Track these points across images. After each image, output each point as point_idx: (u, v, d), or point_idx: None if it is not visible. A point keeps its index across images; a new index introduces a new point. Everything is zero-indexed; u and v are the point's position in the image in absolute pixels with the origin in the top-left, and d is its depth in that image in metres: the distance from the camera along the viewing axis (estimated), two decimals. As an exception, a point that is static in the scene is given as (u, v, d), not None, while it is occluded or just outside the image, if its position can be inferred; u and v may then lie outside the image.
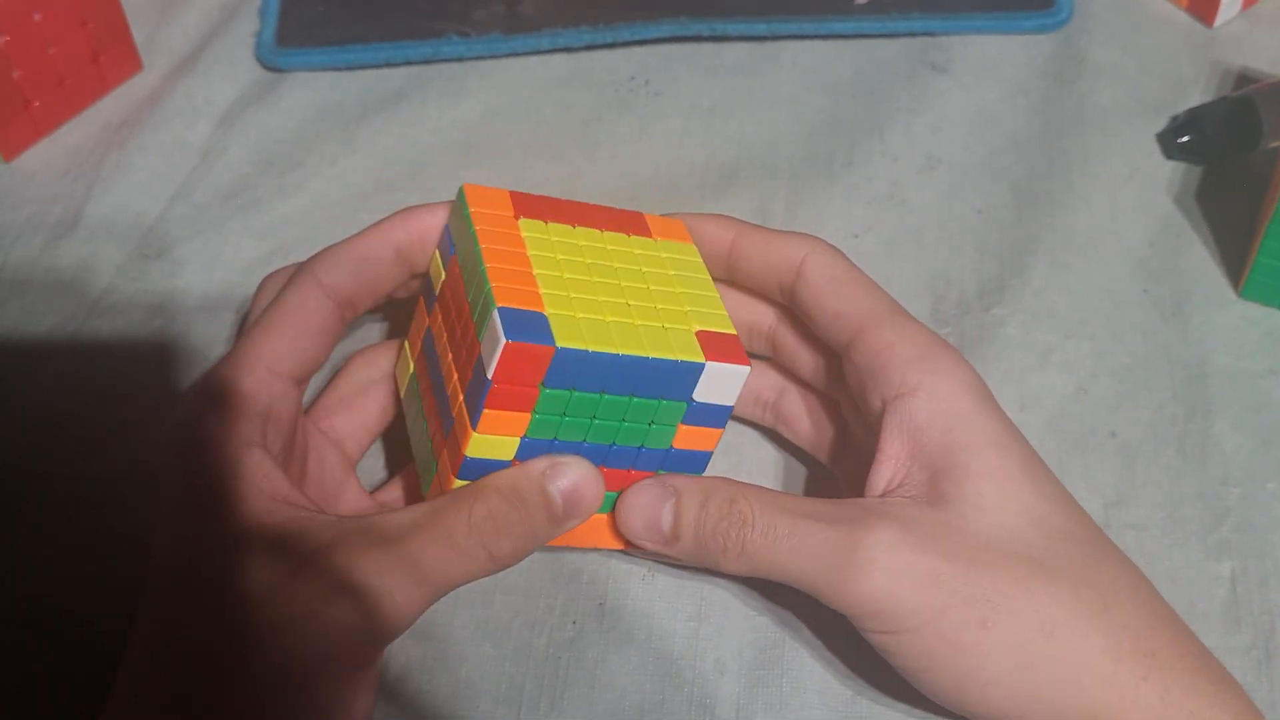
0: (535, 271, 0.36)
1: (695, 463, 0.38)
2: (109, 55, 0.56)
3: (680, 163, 0.53)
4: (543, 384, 0.34)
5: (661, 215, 0.41)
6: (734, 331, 0.37)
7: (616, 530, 0.38)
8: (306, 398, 0.41)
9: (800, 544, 0.35)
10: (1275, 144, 0.51)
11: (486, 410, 0.35)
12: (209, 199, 0.53)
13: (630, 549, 0.38)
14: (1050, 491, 0.35)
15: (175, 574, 0.34)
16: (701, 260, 0.40)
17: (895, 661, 0.35)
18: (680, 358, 0.35)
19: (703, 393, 0.36)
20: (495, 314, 0.34)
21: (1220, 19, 0.58)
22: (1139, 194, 0.52)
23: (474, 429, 0.35)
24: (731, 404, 0.37)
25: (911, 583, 0.34)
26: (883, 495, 0.36)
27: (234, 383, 0.36)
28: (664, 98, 0.56)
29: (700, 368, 0.35)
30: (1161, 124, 0.54)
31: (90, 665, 0.39)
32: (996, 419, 0.36)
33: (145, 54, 0.58)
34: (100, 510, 0.43)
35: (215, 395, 0.36)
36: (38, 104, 0.54)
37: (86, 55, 0.55)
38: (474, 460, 0.35)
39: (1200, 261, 0.49)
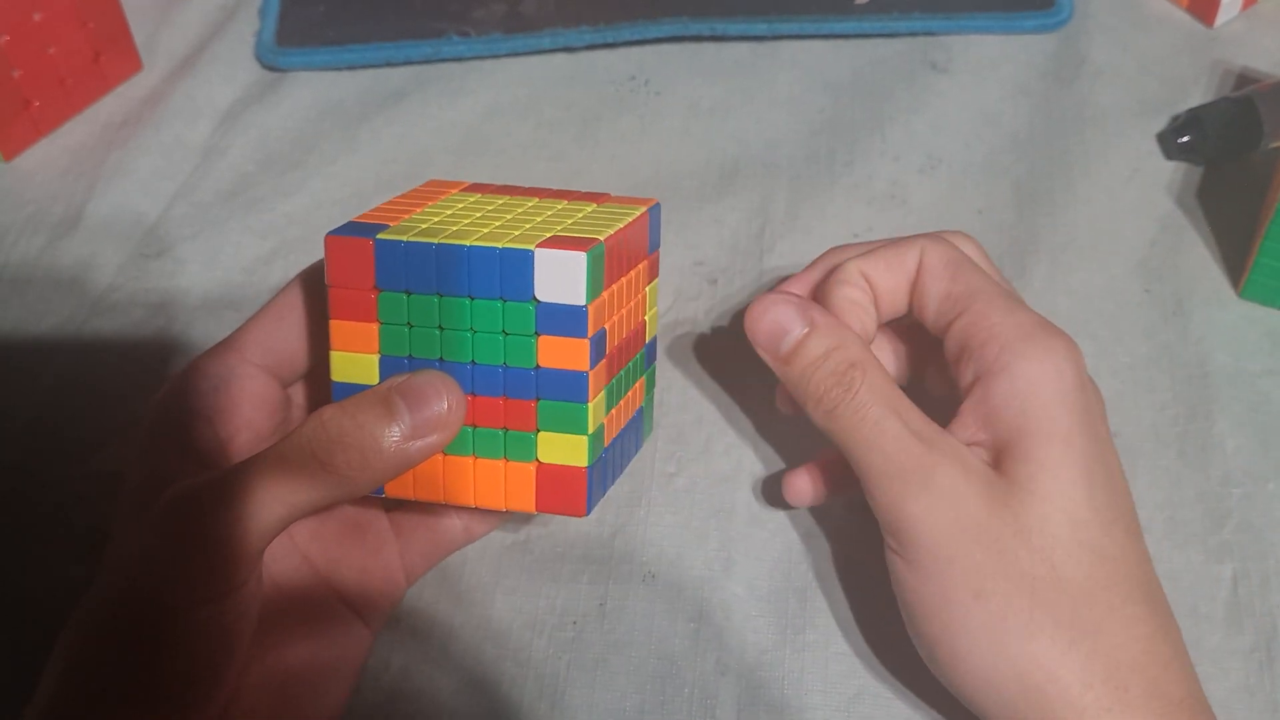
0: (419, 211, 0.36)
1: (574, 386, 0.35)
2: (109, 55, 0.56)
3: (680, 162, 0.53)
4: (376, 285, 0.34)
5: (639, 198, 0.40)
6: (598, 237, 0.35)
7: (531, 491, 0.36)
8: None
9: (878, 437, 0.35)
10: (1276, 144, 0.51)
11: (333, 321, 0.35)
12: (210, 198, 0.53)
13: (544, 511, 0.36)
14: (1101, 503, 0.35)
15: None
16: (635, 216, 0.37)
17: (895, 586, 0.36)
18: (506, 246, 0.34)
19: (546, 290, 0.34)
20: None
21: (1220, 19, 0.58)
22: (1139, 194, 0.52)
23: (330, 348, 0.35)
24: (583, 303, 0.34)
25: (956, 524, 0.34)
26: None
27: (198, 367, 0.37)
28: (664, 97, 0.56)
29: (528, 255, 0.34)
30: (1162, 124, 0.54)
31: (91, 666, 0.39)
32: (1075, 413, 0.36)
33: (145, 54, 0.58)
34: (100, 510, 0.43)
35: (179, 381, 0.37)
36: (38, 104, 0.54)
37: (87, 55, 0.55)
38: (341, 385, 0.36)
39: (1201, 262, 0.49)
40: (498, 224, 0.36)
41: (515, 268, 0.34)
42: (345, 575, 0.39)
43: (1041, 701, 0.33)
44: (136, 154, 0.54)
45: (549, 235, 0.34)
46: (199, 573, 0.32)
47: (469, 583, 0.41)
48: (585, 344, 0.34)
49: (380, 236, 0.34)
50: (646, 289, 0.39)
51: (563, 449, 0.35)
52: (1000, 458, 0.35)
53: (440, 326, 0.35)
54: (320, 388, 0.39)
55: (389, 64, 0.58)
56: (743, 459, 0.44)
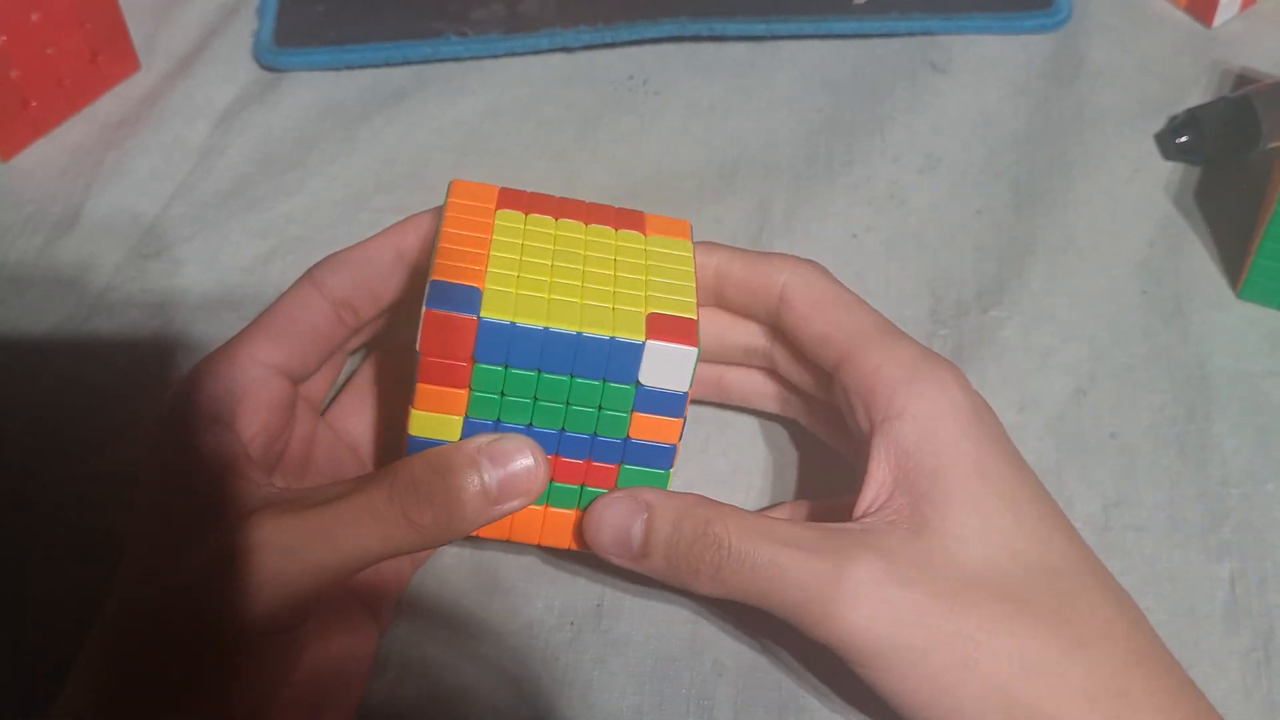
0: (491, 254, 0.36)
1: (659, 456, 0.36)
2: (107, 55, 0.56)
3: (680, 162, 0.53)
4: (475, 358, 0.34)
5: (667, 216, 0.41)
6: (694, 316, 0.35)
7: (580, 535, 0.37)
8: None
9: (780, 573, 0.34)
10: (1274, 144, 0.51)
11: (419, 384, 0.35)
12: (208, 198, 0.53)
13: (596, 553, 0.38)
14: (1032, 523, 0.35)
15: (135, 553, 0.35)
16: (691, 255, 0.39)
17: (880, 693, 0.35)
18: (616, 335, 0.34)
19: (650, 375, 0.35)
20: (427, 287, 0.34)
21: (1219, 19, 0.58)
22: (1138, 194, 0.52)
23: (411, 405, 0.35)
24: (684, 389, 0.35)
25: (896, 620, 0.33)
26: (863, 517, 0.36)
27: (209, 368, 0.37)
28: (663, 97, 0.56)
29: (639, 347, 0.34)
30: (1160, 124, 0.54)
31: (89, 666, 0.39)
32: (983, 444, 0.35)
33: (143, 54, 0.58)
34: (100, 510, 0.43)
35: (190, 382, 0.37)
36: (36, 103, 0.54)
37: (85, 55, 0.55)
38: (417, 439, 0.35)
39: (1199, 262, 0.49)
40: (581, 284, 0.36)
41: (623, 356, 0.34)
42: None
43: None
44: (135, 154, 0.54)
45: (647, 312, 0.35)
46: (266, 609, 0.32)
47: (467, 584, 0.41)
48: (680, 423, 0.36)
49: (485, 316, 0.34)
50: None
51: None
52: (919, 505, 0.35)
53: (535, 398, 0.35)
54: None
55: (388, 64, 0.58)
56: (740, 460, 0.44)
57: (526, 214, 0.38)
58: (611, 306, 0.35)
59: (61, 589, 0.41)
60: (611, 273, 0.37)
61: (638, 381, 0.35)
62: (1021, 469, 0.36)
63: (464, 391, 0.35)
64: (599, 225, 0.39)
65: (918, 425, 0.35)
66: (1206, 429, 0.44)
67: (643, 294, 0.36)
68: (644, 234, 0.39)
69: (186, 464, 0.35)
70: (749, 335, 0.41)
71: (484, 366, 0.34)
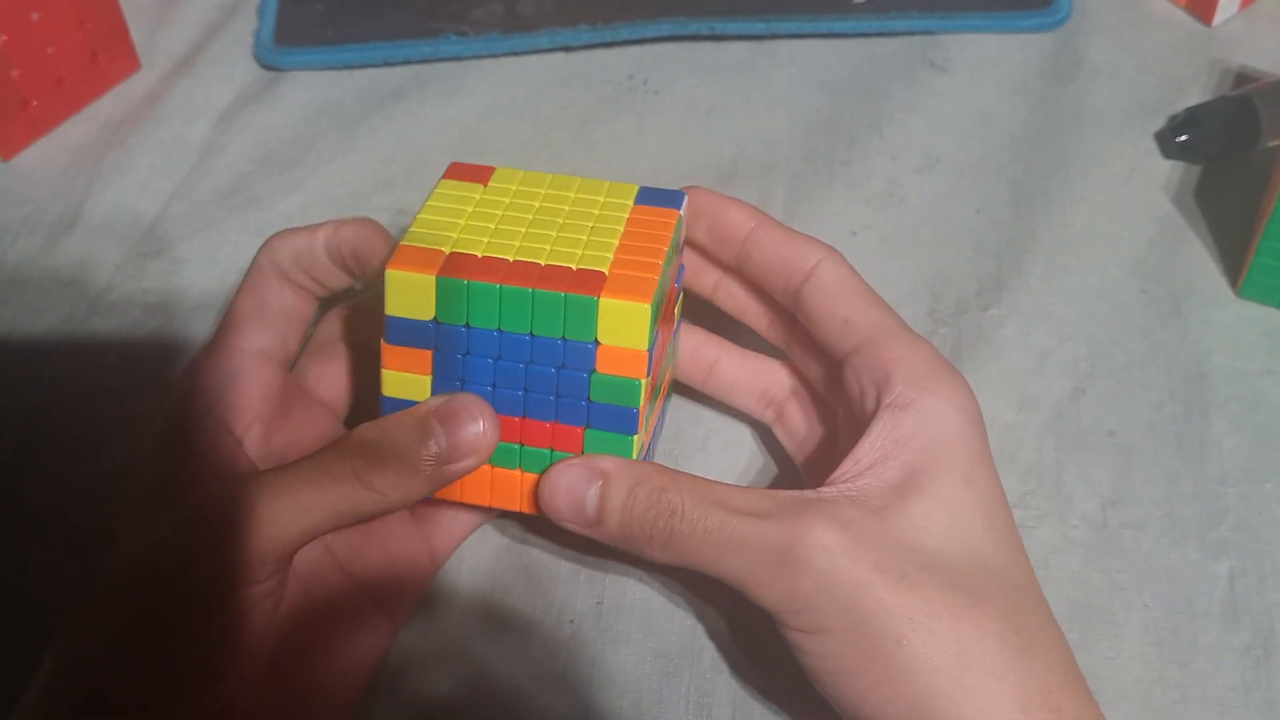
0: (466, 221, 0.37)
1: (624, 420, 0.36)
2: (107, 54, 0.56)
3: (679, 162, 0.53)
4: (435, 318, 0.35)
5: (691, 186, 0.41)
6: (655, 276, 0.35)
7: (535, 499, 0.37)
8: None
9: (730, 539, 0.34)
10: (1274, 143, 0.51)
11: (385, 345, 0.36)
12: (208, 197, 0.53)
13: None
14: (1000, 536, 0.35)
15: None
16: (675, 230, 0.38)
17: (804, 659, 0.34)
18: (571, 294, 0.35)
19: (608, 333, 0.35)
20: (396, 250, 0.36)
21: (1219, 18, 0.58)
22: (1137, 193, 0.52)
23: (382, 365, 0.36)
24: (643, 348, 0.35)
25: (839, 586, 0.33)
26: (829, 484, 0.36)
27: (202, 365, 0.38)
28: (662, 97, 0.56)
29: (592, 304, 0.35)
30: (1160, 123, 0.54)
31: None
32: (974, 454, 0.36)
33: (143, 53, 0.58)
34: (99, 510, 0.43)
35: (185, 381, 0.38)
36: (36, 103, 0.54)
37: (85, 54, 0.55)
38: (390, 400, 0.37)
39: (1198, 261, 0.49)
40: (558, 239, 0.36)
41: (579, 314, 0.35)
42: (368, 563, 0.39)
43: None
44: (135, 153, 0.54)
45: (610, 262, 0.35)
46: (224, 564, 0.33)
47: (465, 581, 0.41)
48: (640, 384, 0.36)
49: (442, 275, 0.35)
50: (676, 284, 0.40)
51: None
52: (893, 491, 0.35)
53: (498, 357, 0.36)
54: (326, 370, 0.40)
55: (387, 63, 0.58)
56: (739, 456, 0.44)
57: (516, 187, 0.39)
58: (574, 266, 0.36)
59: (61, 588, 0.41)
60: (590, 225, 0.37)
61: (596, 340, 0.35)
62: (1001, 489, 0.36)
63: (429, 352, 0.36)
64: (592, 192, 0.39)
65: (920, 419, 0.36)
66: (1205, 428, 0.44)
67: (609, 255, 0.36)
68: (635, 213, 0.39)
69: (181, 464, 0.36)
70: (775, 311, 0.42)
71: (447, 326, 0.35)
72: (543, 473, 0.37)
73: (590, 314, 0.35)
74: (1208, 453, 0.44)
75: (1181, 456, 0.44)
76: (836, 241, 0.40)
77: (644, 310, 0.35)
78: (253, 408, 0.38)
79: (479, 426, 0.35)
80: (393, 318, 0.36)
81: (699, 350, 0.42)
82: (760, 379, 0.42)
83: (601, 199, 0.39)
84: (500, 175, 0.39)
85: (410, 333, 0.36)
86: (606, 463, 0.36)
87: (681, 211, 0.39)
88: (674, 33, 0.57)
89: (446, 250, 0.36)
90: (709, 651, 0.40)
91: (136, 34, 0.58)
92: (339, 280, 0.40)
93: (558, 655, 0.40)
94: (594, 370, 0.35)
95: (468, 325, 0.35)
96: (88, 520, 0.43)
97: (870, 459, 0.35)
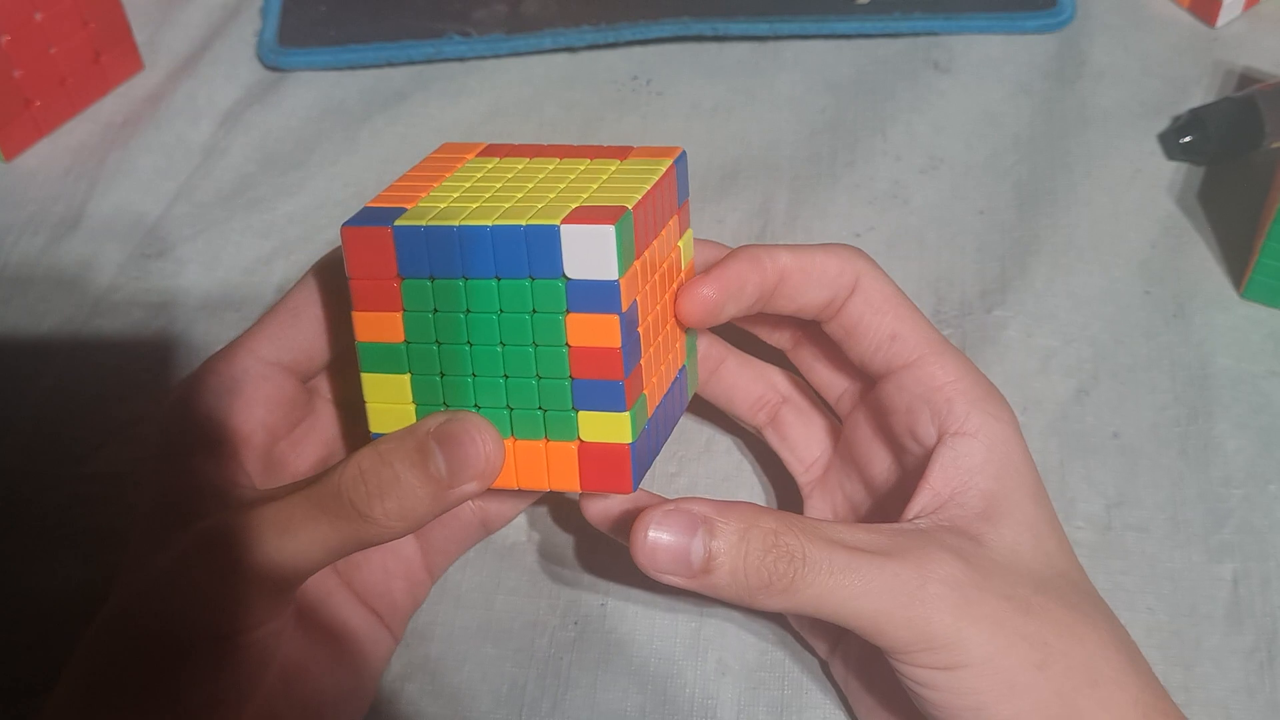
0: (438, 185, 0.35)
1: (610, 396, 0.33)
2: (110, 55, 0.56)
3: (682, 163, 0.53)
4: (400, 273, 0.34)
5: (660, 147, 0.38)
6: (628, 205, 0.33)
7: (575, 471, 0.35)
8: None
9: (864, 582, 0.32)
10: (1277, 144, 0.51)
11: (355, 313, 0.34)
12: (211, 198, 0.53)
13: (590, 490, 0.35)
14: (1069, 550, 0.36)
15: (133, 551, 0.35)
16: (662, 171, 0.36)
17: (934, 696, 0.33)
18: (531, 223, 0.32)
19: (575, 266, 0.32)
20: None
21: (1222, 19, 0.57)
22: (1141, 195, 0.52)
23: (356, 338, 0.35)
24: (614, 277, 0.32)
25: (978, 620, 0.32)
26: (914, 516, 0.35)
27: (209, 368, 0.37)
28: (666, 97, 0.56)
29: (554, 231, 0.32)
30: (1164, 124, 0.54)
31: (92, 665, 0.39)
32: (1034, 470, 0.36)
33: (146, 53, 0.58)
34: (100, 510, 0.43)
35: (189, 383, 0.36)
36: (39, 103, 0.54)
37: (88, 55, 0.55)
38: (369, 355, 0.35)
39: (1202, 262, 0.49)
40: (520, 195, 0.34)
41: (541, 244, 0.32)
42: (366, 577, 0.39)
43: None
44: (137, 154, 0.54)
45: (575, 206, 0.33)
46: (228, 609, 0.32)
47: (470, 583, 0.41)
48: (616, 320, 0.33)
49: (399, 224, 0.33)
50: (680, 243, 0.37)
51: (605, 426, 0.34)
52: (975, 520, 0.35)
53: (468, 310, 0.34)
54: (347, 382, 0.39)
55: (390, 64, 0.58)
56: (743, 459, 0.44)
57: (501, 158, 0.38)
58: (540, 205, 0.33)
59: (61, 589, 0.41)
60: (562, 185, 0.35)
61: (564, 275, 0.33)
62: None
63: (398, 314, 0.34)
64: (573, 159, 0.37)
65: (989, 445, 0.35)
66: (1209, 429, 0.44)
67: (583, 196, 0.34)
68: (622, 160, 0.37)
69: (182, 468, 0.35)
70: (777, 336, 0.41)
71: (411, 282, 0.34)
72: (633, 524, 0.33)
73: (554, 244, 0.32)
74: (1212, 454, 0.44)
75: (1185, 458, 0.44)
76: (840, 242, 0.40)
77: (608, 232, 0.32)
78: (255, 415, 0.36)
79: (481, 448, 0.33)
80: (357, 280, 0.34)
81: (708, 351, 0.42)
82: (759, 383, 0.42)
83: (588, 161, 0.37)
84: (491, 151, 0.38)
85: (375, 295, 0.34)
86: (702, 507, 0.33)
87: (677, 164, 0.37)
88: (677, 33, 0.57)
89: (409, 207, 0.34)
90: (713, 653, 0.40)
91: (139, 34, 0.58)
92: None
93: (563, 657, 0.40)
94: (566, 311, 0.33)
95: (431, 279, 0.34)
96: (89, 521, 0.43)
97: (949, 489, 0.35)
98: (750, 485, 0.44)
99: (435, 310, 0.34)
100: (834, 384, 0.40)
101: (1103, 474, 0.43)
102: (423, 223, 0.33)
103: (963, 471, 0.35)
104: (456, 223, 0.33)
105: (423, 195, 0.35)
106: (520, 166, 0.37)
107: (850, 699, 0.38)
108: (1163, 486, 0.43)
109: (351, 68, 0.58)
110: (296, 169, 0.54)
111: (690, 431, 0.45)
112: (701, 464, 0.44)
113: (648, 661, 0.40)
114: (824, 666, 0.39)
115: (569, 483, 0.35)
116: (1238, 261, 0.49)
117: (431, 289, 0.34)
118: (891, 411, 0.37)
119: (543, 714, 0.39)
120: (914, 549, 0.33)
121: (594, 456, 0.34)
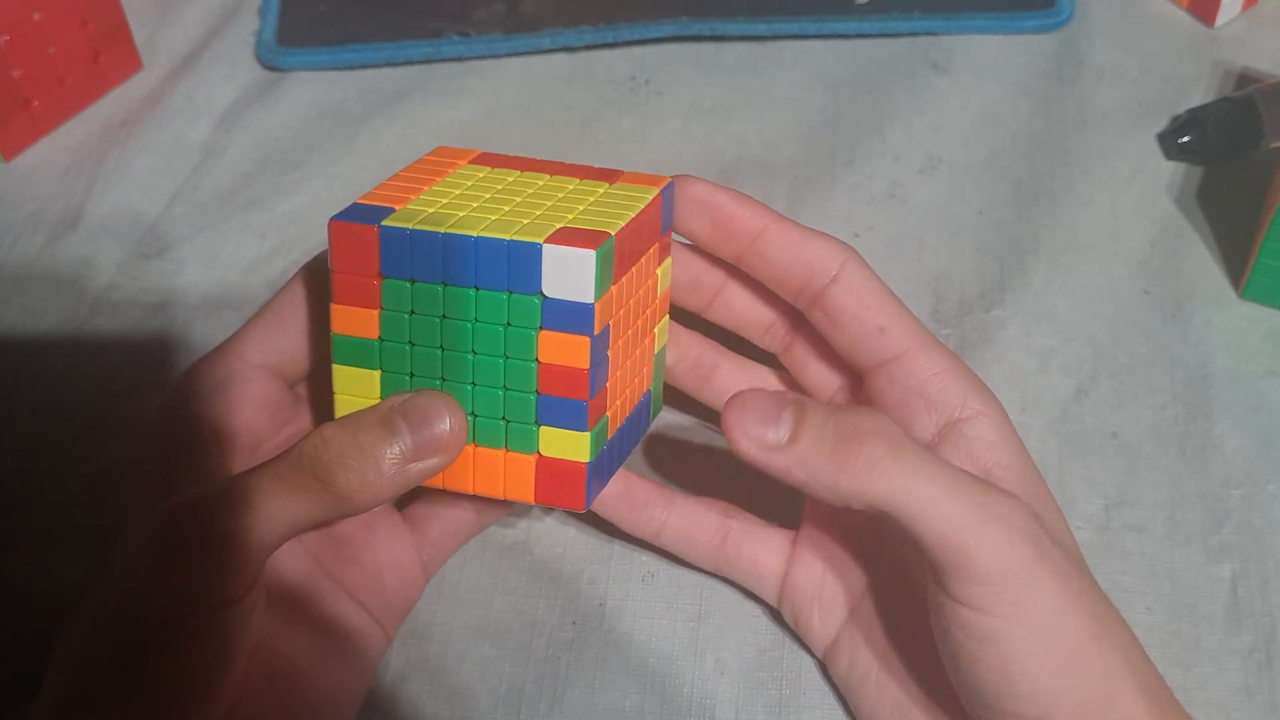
0: (428, 189, 0.36)
1: (573, 414, 0.34)
2: (109, 54, 0.56)
3: (680, 162, 0.53)
4: (381, 272, 0.34)
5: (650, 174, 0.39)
6: (609, 232, 0.34)
7: (530, 482, 0.35)
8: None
9: (954, 484, 0.31)
10: (1276, 144, 0.51)
11: (334, 305, 0.35)
12: (209, 198, 0.53)
13: (543, 503, 0.36)
14: (1066, 526, 0.36)
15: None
16: (649, 200, 0.36)
17: (983, 650, 0.32)
18: (515, 238, 0.33)
19: (553, 285, 0.33)
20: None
21: (1221, 19, 0.57)
22: (1140, 194, 0.52)
23: (332, 328, 0.35)
24: (589, 301, 0.33)
25: (1051, 570, 0.32)
26: None
27: (197, 370, 0.37)
28: (664, 97, 0.56)
29: (536, 249, 0.33)
30: (1162, 124, 0.54)
31: (90, 665, 0.39)
32: (1027, 453, 0.36)
33: (145, 53, 0.58)
34: (100, 510, 0.43)
35: (179, 385, 0.37)
36: (38, 103, 0.54)
37: (87, 54, 0.55)
38: (341, 345, 0.35)
39: (1201, 262, 0.49)
40: (507, 209, 0.35)
41: (522, 261, 0.33)
42: (358, 574, 0.39)
43: (1109, 712, 0.32)
44: (136, 154, 0.54)
45: (559, 226, 0.34)
46: (195, 583, 0.32)
47: (468, 583, 0.41)
48: (587, 342, 0.34)
49: (386, 224, 0.34)
50: (658, 270, 0.38)
51: (565, 443, 0.35)
52: (1017, 488, 0.35)
53: (443, 315, 0.34)
54: (326, 385, 0.39)
55: (389, 64, 0.58)
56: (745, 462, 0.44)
57: (493, 169, 0.38)
58: (525, 222, 0.34)
59: (61, 588, 0.41)
60: (549, 203, 0.36)
61: (541, 293, 0.33)
62: None
63: (375, 311, 0.35)
64: (561, 177, 0.38)
65: (995, 423, 0.36)
66: (1208, 429, 0.44)
67: (569, 217, 0.35)
68: (609, 184, 0.38)
69: (168, 467, 0.35)
70: (771, 317, 0.40)
71: (391, 282, 0.34)
72: (726, 401, 0.34)
73: (535, 261, 0.33)
74: (1211, 454, 0.44)
75: (1184, 458, 0.44)
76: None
77: (588, 257, 0.33)
78: (240, 416, 0.36)
79: (446, 424, 0.34)
80: (339, 274, 0.35)
81: (700, 356, 0.42)
82: (754, 385, 0.42)
83: (577, 181, 0.38)
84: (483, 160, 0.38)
85: (356, 290, 0.34)
86: (795, 395, 0.33)
87: (664, 193, 0.37)
88: (676, 33, 0.57)
89: (398, 208, 0.35)
90: (712, 653, 0.40)
91: (138, 34, 0.58)
92: None
93: (561, 657, 0.40)
94: (540, 328, 0.34)
95: (412, 281, 0.34)
96: (89, 520, 0.43)
97: (979, 469, 0.35)
98: (750, 485, 0.44)
99: (412, 312, 0.35)
100: (826, 384, 0.40)
101: (1102, 474, 0.43)
102: (409, 225, 0.34)
103: (985, 448, 0.35)
104: (442, 229, 0.34)
105: (412, 197, 0.36)
106: (510, 179, 0.37)
107: (849, 699, 0.38)
108: (1161, 486, 0.43)
109: (350, 67, 0.58)
110: (295, 169, 0.54)
111: (690, 432, 0.45)
112: (705, 460, 0.44)
113: (646, 661, 0.40)
114: (822, 667, 0.39)
115: (523, 494, 0.36)
116: (1236, 261, 0.49)
117: (410, 291, 0.34)
118: (884, 406, 0.38)
119: (541, 714, 0.39)
120: (980, 480, 0.33)
121: (550, 471, 0.35)
